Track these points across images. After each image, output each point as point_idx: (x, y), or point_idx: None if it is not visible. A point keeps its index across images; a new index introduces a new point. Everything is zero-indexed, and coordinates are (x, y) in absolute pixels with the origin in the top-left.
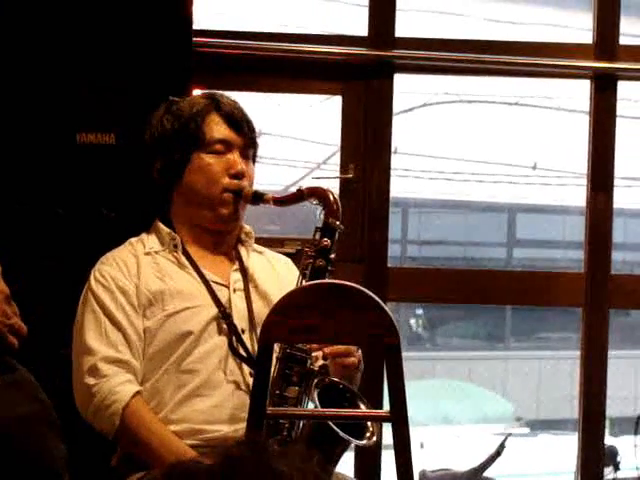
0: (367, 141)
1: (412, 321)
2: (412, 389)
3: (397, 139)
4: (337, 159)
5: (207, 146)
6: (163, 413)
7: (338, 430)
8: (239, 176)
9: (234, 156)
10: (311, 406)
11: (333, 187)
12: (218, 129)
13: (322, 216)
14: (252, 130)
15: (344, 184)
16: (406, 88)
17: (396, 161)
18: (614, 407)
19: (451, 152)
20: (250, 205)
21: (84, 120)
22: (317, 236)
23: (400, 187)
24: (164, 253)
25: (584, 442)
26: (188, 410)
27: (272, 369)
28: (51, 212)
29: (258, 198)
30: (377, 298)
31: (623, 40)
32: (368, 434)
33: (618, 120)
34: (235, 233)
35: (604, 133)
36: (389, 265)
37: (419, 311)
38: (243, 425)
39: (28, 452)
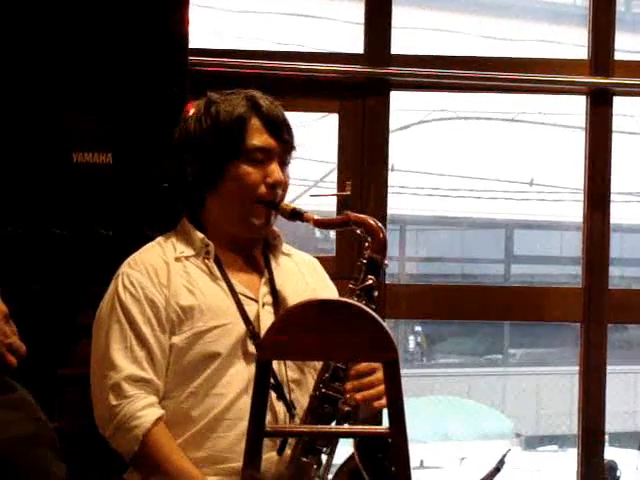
0: (364, 158)
1: (410, 338)
2: (411, 406)
3: (394, 156)
4: (334, 176)
5: (247, 155)
6: (187, 436)
7: None
8: (275, 186)
9: (273, 165)
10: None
11: (330, 204)
12: (259, 137)
13: (367, 250)
14: (291, 134)
15: (341, 201)
16: (402, 105)
17: (393, 178)
18: (613, 422)
19: (448, 169)
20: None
21: (81, 140)
22: (362, 271)
23: (397, 204)
24: (195, 260)
25: (583, 457)
26: (213, 436)
27: (305, 403)
28: (47, 231)
29: (296, 216)
30: (374, 314)
31: (618, 55)
32: None
33: (614, 135)
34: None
35: (600, 148)
36: (387, 282)
37: (417, 328)
38: (270, 454)
39: (28, 472)
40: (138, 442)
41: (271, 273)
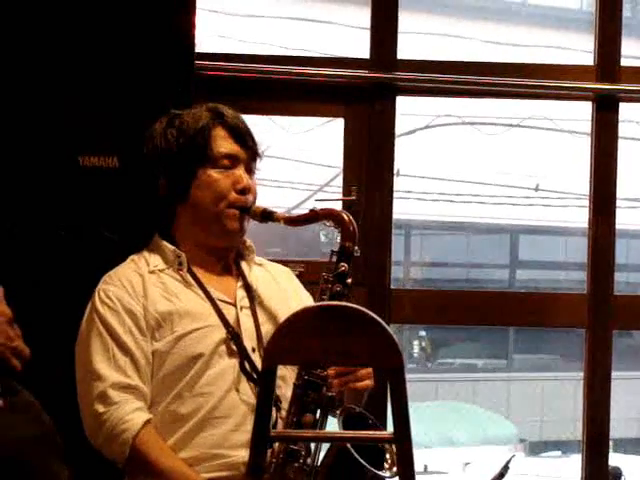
0: (369, 163)
1: (415, 343)
2: (415, 411)
3: (399, 161)
4: (340, 181)
5: (214, 162)
6: (178, 437)
7: (362, 461)
8: (245, 191)
9: (240, 171)
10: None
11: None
12: (224, 144)
13: (338, 239)
14: (255, 142)
15: (347, 206)
16: (408, 110)
17: (398, 183)
18: (617, 428)
19: (453, 174)
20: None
21: (87, 143)
22: (334, 260)
23: (403, 209)
24: (169, 271)
25: (588, 463)
26: (204, 435)
27: (289, 395)
28: (54, 234)
29: (267, 217)
30: (379, 319)
31: (624, 62)
32: (387, 465)
33: (620, 141)
34: (236, 247)
35: (606, 154)
36: (392, 287)
37: (422, 333)
38: None
39: (31, 475)
40: (128, 445)
41: (245, 278)
